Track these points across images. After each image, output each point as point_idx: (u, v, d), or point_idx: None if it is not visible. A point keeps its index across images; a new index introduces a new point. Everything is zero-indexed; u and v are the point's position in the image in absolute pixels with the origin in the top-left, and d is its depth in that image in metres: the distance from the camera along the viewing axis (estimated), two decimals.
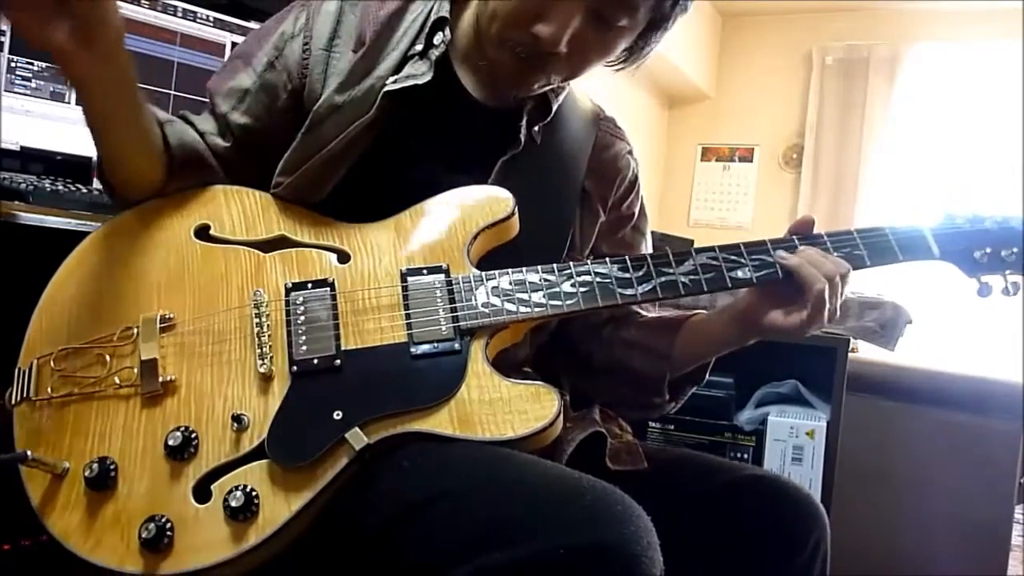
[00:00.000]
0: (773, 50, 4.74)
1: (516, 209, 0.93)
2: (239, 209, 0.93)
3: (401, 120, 0.94)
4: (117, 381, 0.82)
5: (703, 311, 1.08)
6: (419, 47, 0.96)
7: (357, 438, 0.77)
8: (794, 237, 0.95)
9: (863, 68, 4.48)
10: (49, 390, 0.82)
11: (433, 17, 0.97)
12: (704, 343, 1.04)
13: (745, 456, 1.70)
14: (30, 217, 1.13)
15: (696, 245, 0.99)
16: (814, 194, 4.58)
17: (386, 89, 0.92)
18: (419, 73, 0.94)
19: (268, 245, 0.90)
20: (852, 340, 1.78)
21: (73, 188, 1.32)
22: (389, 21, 0.97)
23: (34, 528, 0.78)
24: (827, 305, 0.91)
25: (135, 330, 0.84)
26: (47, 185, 1.31)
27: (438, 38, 0.95)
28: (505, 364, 0.89)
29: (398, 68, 0.95)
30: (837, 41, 4.55)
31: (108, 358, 0.83)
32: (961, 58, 4.27)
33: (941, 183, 4.24)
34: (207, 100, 1.00)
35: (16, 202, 1.19)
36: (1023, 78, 3.98)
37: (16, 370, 0.84)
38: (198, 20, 1.61)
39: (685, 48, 4.32)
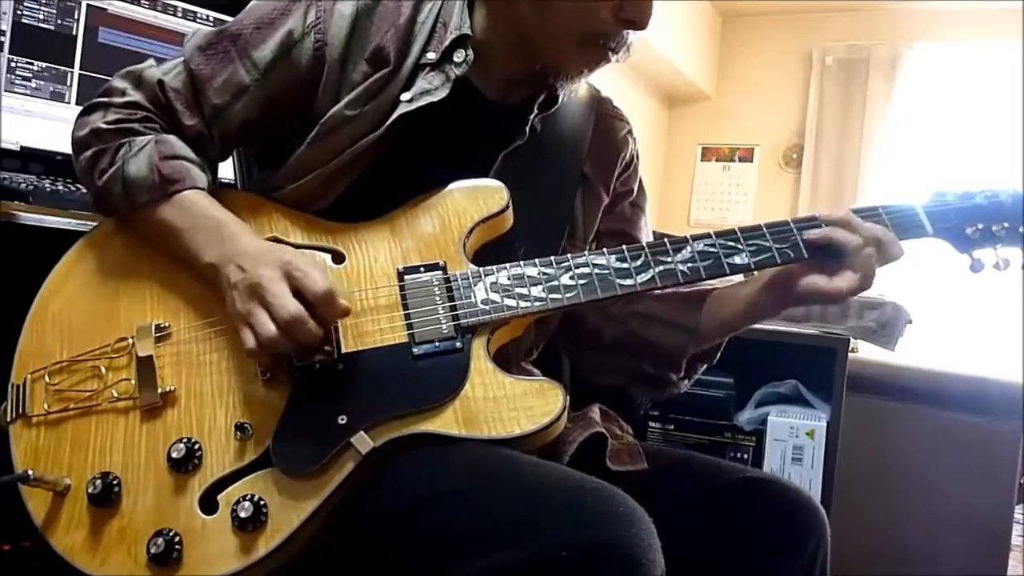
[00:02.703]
0: (773, 50, 4.73)
1: (510, 202, 0.92)
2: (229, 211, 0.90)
3: (410, 130, 0.93)
4: (115, 394, 0.81)
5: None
6: (431, 55, 0.93)
7: (363, 442, 0.77)
8: (788, 220, 0.93)
9: (863, 68, 4.47)
10: (45, 406, 0.81)
11: (445, 21, 0.95)
12: (733, 314, 1.01)
13: (745, 456, 1.70)
14: (30, 217, 1.13)
15: None
16: (814, 194, 4.57)
17: (401, 112, 0.91)
18: (434, 88, 0.92)
19: None
20: (852, 340, 1.77)
21: (73, 188, 1.32)
22: (406, 35, 0.94)
23: (35, 528, 0.78)
24: (871, 266, 0.89)
25: (130, 340, 0.83)
26: (47, 185, 1.31)
27: (459, 55, 0.93)
28: (506, 358, 0.88)
29: (410, 78, 0.93)
30: (837, 41, 4.55)
31: (104, 370, 0.82)
32: (961, 58, 4.26)
33: (941, 183, 4.23)
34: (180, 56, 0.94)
35: (16, 202, 1.19)
36: (1023, 78, 3.98)
37: (10, 386, 0.83)
38: (198, 20, 1.61)
39: (685, 48, 4.31)
